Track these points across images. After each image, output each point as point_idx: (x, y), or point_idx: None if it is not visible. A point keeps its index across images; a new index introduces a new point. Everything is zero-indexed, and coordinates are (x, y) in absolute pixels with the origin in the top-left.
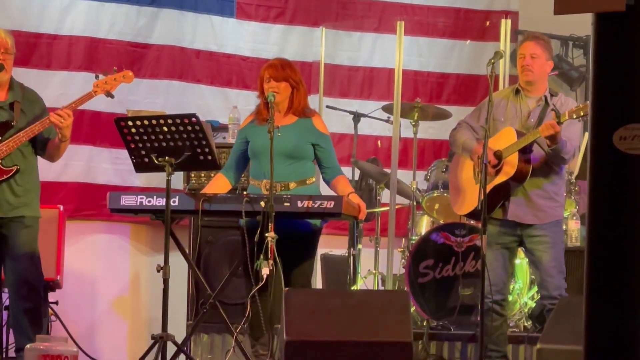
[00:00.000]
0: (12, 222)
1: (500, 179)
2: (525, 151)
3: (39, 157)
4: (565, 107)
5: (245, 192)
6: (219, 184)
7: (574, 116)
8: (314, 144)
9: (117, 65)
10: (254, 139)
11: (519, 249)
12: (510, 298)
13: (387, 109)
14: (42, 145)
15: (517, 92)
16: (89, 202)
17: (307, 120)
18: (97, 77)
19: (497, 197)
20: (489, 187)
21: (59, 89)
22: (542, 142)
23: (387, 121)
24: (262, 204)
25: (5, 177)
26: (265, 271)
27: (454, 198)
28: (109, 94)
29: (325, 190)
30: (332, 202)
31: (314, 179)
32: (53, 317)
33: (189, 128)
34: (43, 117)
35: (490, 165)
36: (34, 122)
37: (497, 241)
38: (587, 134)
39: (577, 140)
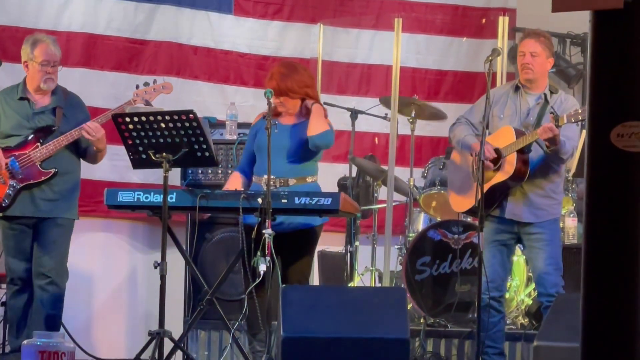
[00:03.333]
0: (45, 221)
1: (499, 178)
2: (523, 151)
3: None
4: (565, 105)
5: (242, 189)
6: (237, 181)
7: (572, 120)
8: None
9: (114, 61)
10: (260, 135)
11: (517, 246)
12: (507, 295)
13: (385, 102)
14: (83, 151)
15: (517, 89)
16: (86, 198)
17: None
18: (137, 87)
19: (495, 196)
20: (487, 186)
21: None
22: (541, 142)
23: (384, 118)
24: (260, 200)
25: (43, 178)
26: (262, 268)
27: (452, 195)
28: (148, 103)
29: (326, 190)
30: (330, 199)
31: (315, 178)
32: None
33: (187, 124)
34: (85, 122)
35: (489, 160)
36: (76, 127)
37: (495, 238)
38: (584, 132)
39: (575, 139)
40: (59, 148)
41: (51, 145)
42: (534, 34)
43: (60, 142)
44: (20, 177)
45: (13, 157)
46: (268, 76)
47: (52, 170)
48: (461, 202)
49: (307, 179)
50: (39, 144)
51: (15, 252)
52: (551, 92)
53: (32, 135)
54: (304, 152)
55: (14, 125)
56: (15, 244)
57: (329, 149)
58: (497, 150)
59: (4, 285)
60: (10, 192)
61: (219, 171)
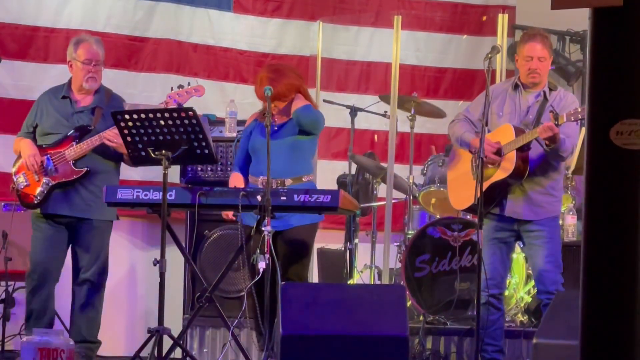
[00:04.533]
0: (81, 222)
1: (498, 176)
2: (522, 149)
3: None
4: (564, 102)
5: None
6: (239, 180)
7: (572, 119)
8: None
9: (113, 58)
10: (255, 135)
11: (516, 243)
12: (506, 293)
13: (384, 99)
14: (119, 155)
15: (516, 86)
16: None
17: None
18: (172, 89)
19: (494, 194)
20: (487, 184)
21: (55, 82)
22: (540, 140)
23: (384, 115)
24: (259, 198)
25: (75, 177)
26: (261, 265)
27: (452, 192)
28: (180, 106)
29: (325, 187)
30: (329, 196)
31: (311, 177)
32: None
33: (186, 122)
34: None
35: (491, 153)
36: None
37: (495, 236)
38: (584, 129)
39: (575, 137)
40: (91, 148)
41: (84, 145)
42: (539, 36)
43: (94, 142)
44: (53, 175)
45: (48, 155)
46: (257, 82)
47: (84, 169)
48: (460, 200)
49: (302, 178)
50: (74, 143)
51: (45, 248)
52: (550, 89)
53: (68, 134)
54: (298, 146)
55: (53, 123)
56: (46, 239)
57: (318, 128)
58: (498, 151)
59: (3, 283)
60: (42, 189)
61: (219, 168)
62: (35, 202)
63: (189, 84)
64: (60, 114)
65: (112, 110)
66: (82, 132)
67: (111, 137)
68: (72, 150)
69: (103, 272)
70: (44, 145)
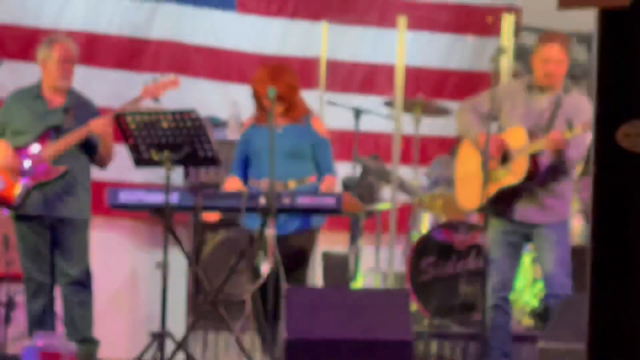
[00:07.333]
0: (61, 223)
1: (508, 180)
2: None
3: None
4: (579, 107)
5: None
6: (237, 183)
7: (587, 130)
8: (313, 144)
9: (115, 59)
10: (254, 140)
11: (525, 246)
12: (512, 296)
13: (389, 104)
14: (92, 152)
15: (530, 88)
16: None
17: (306, 122)
18: (146, 82)
19: (504, 198)
20: (496, 187)
21: None
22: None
23: (389, 117)
24: (262, 200)
25: (54, 176)
26: (264, 268)
27: (460, 191)
28: (156, 99)
29: None
30: (333, 199)
31: (313, 178)
32: None
33: (189, 124)
34: None
35: (494, 148)
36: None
37: (504, 239)
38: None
39: (585, 143)
40: (69, 146)
41: (61, 144)
42: (558, 38)
43: (69, 140)
44: (31, 175)
45: (26, 156)
46: (256, 81)
47: (63, 168)
48: (469, 200)
49: (305, 180)
50: (49, 142)
51: (32, 253)
52: (564, 92)
53: (43, 134)
54: (300, 150)
55: (26, 122)
56: (33, 247)
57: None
58: (505, 152)
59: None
60: (22, 190)
61: (222, 171)
62: (15, 204)
63: (162, 76)
64: (33, 113)
65: (82, 110)
66: (57, 132)
67: (97, 126)
68: (50, 150)
69: (89, 271)
70: (18, 147)
